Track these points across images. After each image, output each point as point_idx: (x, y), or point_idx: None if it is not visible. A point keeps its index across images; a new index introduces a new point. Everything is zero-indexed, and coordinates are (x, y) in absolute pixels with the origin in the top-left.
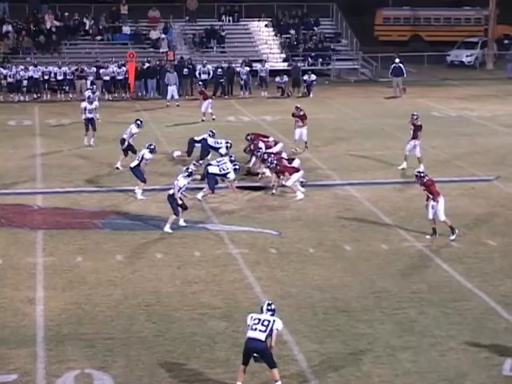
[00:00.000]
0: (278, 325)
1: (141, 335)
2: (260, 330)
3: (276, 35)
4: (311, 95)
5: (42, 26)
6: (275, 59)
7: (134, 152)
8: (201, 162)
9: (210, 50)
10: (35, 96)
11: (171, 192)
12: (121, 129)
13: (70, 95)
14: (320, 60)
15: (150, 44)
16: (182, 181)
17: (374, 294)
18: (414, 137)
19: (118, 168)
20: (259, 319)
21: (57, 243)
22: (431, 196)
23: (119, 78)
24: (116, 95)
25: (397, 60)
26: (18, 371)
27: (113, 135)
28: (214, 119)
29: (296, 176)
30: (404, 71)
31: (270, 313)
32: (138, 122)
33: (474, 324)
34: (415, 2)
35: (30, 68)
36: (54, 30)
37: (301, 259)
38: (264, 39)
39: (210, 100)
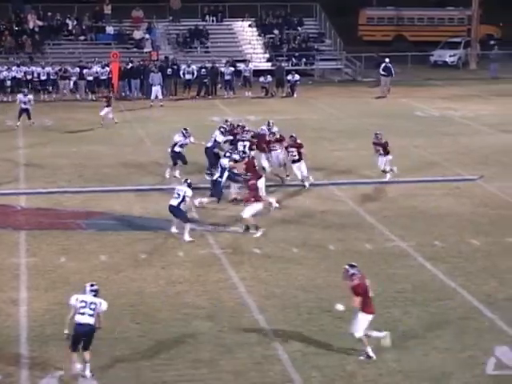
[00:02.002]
0: (104, 306)
1: (125, 336)
2: (89, 315)
3: (260, 35)
4: (295, 95)
5: (24, 26)
6: (259, 59)
7: (185, 162)
8: (212, 169)
9: (193, 49)
10: None
11: (175, 203)
12: (104, 129)
13: (54, 95)
14: (304, 60)
15: (134, 44)
16: (189, 191)
17: None
18: (386, 153)
19: (175, 176)
20: (85, 302)
21: (40, 244)
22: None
23: (103, 78)
24: (100, 95)
25: (386, 60)
26: (1, 372)
27: (96, 135)
28: (116, 123)
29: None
30: (393, 71)
31: (93, 293)
32: (183, 131)
33: (458, 323)
34: (399, 2)
35: (13, 68)
36: (36, 29)
37: (285, 259)
38: (248, 39)
39: (111, 107)
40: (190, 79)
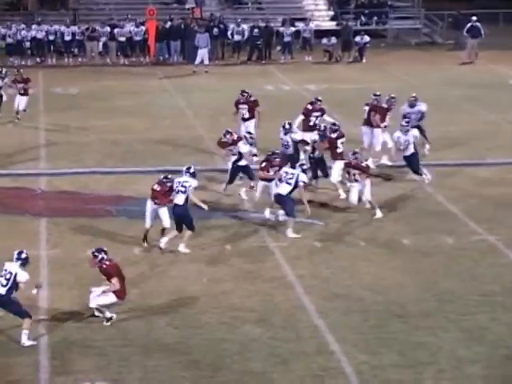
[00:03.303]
0: (20, 278)
1: (161, 342)
2: (2, 285)
3: None
4: (364, 60)
5: None
6: (321, 17)
7: (251, 177)
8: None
9: (244, 5)
10: (39, 60)
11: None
12: (138, 98)
13: (80, 59)
14: (375, 18)
15: None
16: (194, 182)
17: (436, 297)
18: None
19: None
20: (5, 270)
21: (63, 233)
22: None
23: (137, 38)
24: (134, 59)
25: (474, 18)
26: (19, 383)
27: (129, 106)
28: (18, 119)
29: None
30: (481, 32)
31: (20, 262)
32: (247, 136)
33: None
34: None
35: (33, 27)
36: None
37: (350, 255)
38: None
39: (27, 97)
40: (239, 41)
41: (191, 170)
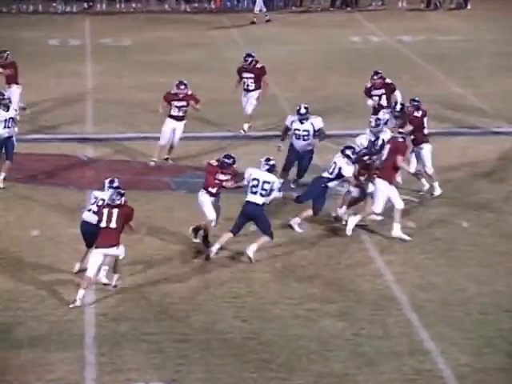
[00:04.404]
0: (101, 195)
1: (226, 337)
2: (94, 212)
3: None
4: (469, 6)
5: None
6: None
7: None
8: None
9: None
10: (86, 5)
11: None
12: (201, 51)
13: (133, 5)
14: None
15: None
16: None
17: None
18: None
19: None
20: (96, 198)
21: None
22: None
23: None
24: (196, 5)
25: None
26: (61, 382)
27: (190, 60)
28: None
29: None
30: None
31: (113, 190)
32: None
33: None
34: None
35: None
36: None
37: (449, 237)
38: None
39: (17, 88)
40: None
41: (271, 162)
